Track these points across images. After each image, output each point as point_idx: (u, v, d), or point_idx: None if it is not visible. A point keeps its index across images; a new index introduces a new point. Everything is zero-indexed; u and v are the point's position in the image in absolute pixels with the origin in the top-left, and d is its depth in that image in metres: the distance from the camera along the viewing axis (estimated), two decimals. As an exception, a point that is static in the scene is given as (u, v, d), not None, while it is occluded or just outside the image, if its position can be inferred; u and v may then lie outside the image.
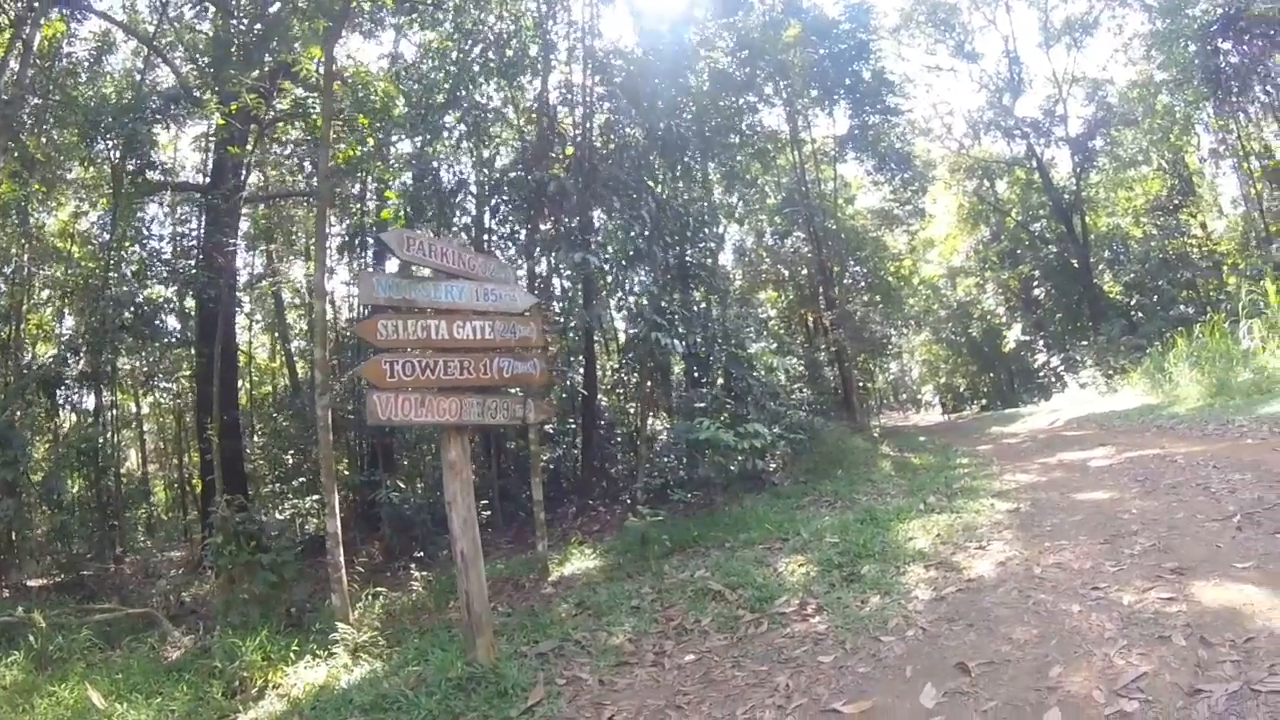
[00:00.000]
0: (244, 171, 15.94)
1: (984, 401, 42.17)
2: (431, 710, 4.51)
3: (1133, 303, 31.77)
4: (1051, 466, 10.84)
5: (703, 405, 11.96)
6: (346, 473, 14.72)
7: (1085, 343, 30.01)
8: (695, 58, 16.97)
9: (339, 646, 6.00)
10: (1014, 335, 38.53)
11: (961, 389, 41.49)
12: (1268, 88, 23.67)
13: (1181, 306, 28.13)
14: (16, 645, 6.85)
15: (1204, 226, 31.21)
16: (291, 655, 5.98)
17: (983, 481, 10.18)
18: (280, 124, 16.80)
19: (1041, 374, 35.31)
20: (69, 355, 14.72)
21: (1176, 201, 31.88)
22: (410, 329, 5.22)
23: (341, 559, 7.26)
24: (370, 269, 15.11)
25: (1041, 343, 36.01)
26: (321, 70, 11.83)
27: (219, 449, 13.31)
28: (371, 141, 13.93)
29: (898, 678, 4.10)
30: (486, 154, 15.68)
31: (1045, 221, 36.10)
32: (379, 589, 8.11)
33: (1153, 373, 19.30)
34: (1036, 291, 37.67)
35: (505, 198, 14.62)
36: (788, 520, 8.72)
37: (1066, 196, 33.28)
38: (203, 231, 16.09)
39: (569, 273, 13.70)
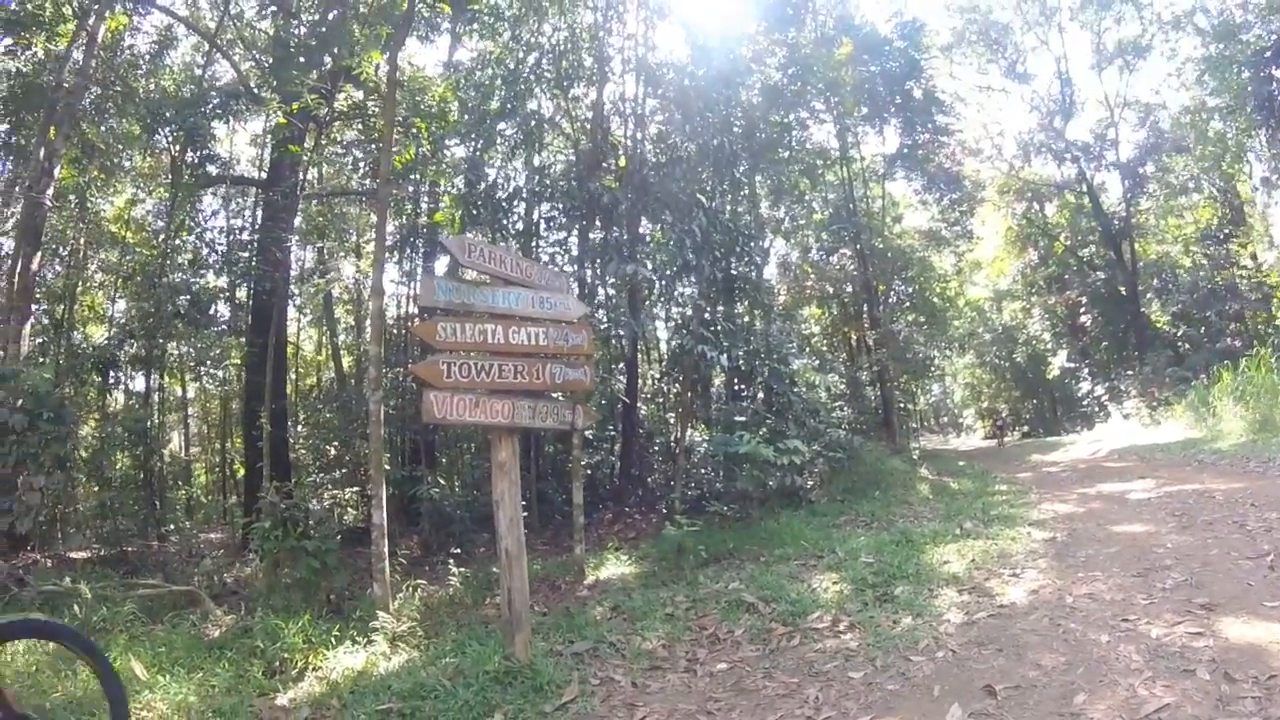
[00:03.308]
0: (301, 169, 16.22)
1: (1025, 428, 41.77)
2: (468, 701, 4.63)
3: (1179, 333, 31.39)
4: (1090, 497, 10.82)
5: (743, 419, 12.03)
6: (388, 467, 14.93)
7: (1130, 372, 29.69)
8: (746, 72, 17.05)
9: (378, 634, 6.13)
10: (1059, 362, 38.19)
11: (998, 416, 41.13)
12: (1321, 117, 23.32)
13: (1228, 339, 27.74)
14: (61, 614, 7.01)
15: (1254, 257, 30.71)
16: (331, 640, 6.11)
17: (1020, 509, 10.18)
18: (338, 124, 17.10)
19: (1085, 402, 34.99)
20: (125, 338, 15.11)
21: (1227, 231, 31.40)
22: (468, 332, 5.38)
23: (385, 549, 7.43)
24: (421, 270, 15.35)
25: (1086, 371, 35.67)
26: (380, 74, 12.09)
27: (268, 436, 13.55)
28: (427, 145, 14.15)
29: (925, 697, 4.19)
30: (539, 162, 15.88)
31: (1094, 247, 35.75)
32: (418, 581, 8.26)
33: (1197, 406, 19.10)
34: (1083, 318, 37.26)
35: (557, 206, 14.81)
36: (823, 538, 8.79)
37: (1116, 222, 32.96)
38: (259, 225, 16.39)
39: (614, 282, 13.84)
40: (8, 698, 3.10)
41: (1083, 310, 36.98)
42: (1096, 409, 32.85)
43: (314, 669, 5.69)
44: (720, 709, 4.47)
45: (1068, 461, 18.68)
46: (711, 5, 19.93)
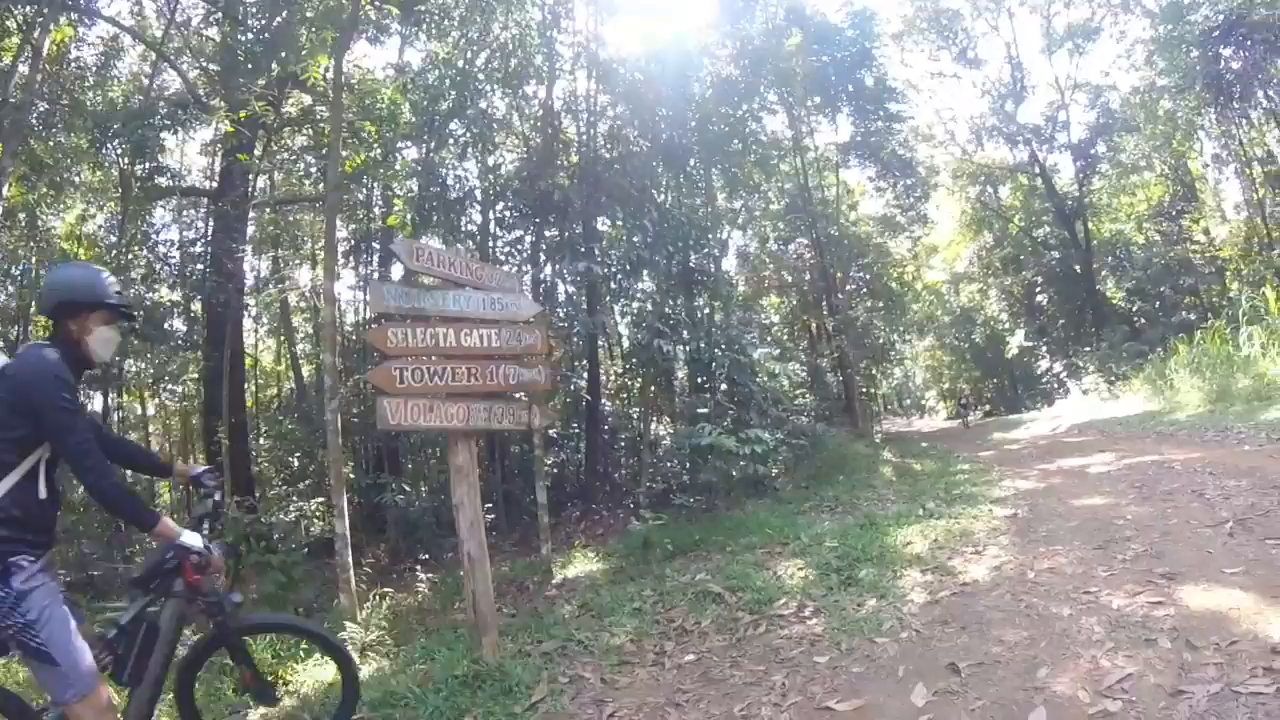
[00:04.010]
0: (252, 177, 16.03)
1: (987, 408, 42.20)
2: (438, 707, 4.60)
3: (1135, 309, 31.85)
4: (1051, 473, 10.94)
5: (705, 411, 12.05)
6: (352, 476, 14.78)
7: (1088, 349, 30.10)
8: (698, 66, 17.07)
9: (347, 645, 6.09)
10: (1017, 341, 38.60)
11: (963, 395, 41.51)
12: (1269, 93, 23.68)
13: (1183, 313, 28.22)
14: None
15: (1206, 232, 31.23)
16: (301, 653, 6.06)
17: (982, 488, 10.26)
18: (287, 130, 16.92)
19: (1044, 380, 35.43)
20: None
21: (1179, 207, 31.91)
22: (419, 337, 5.33)
23: (350, 560, 7.37)
24: (376, 275, 15.24)
25: (1044, 349, 36.09)
26: (329, 77, 11.97)
27: (228, 451, 13.40)
28: (378, 148, 14.04)
29: (890, 677, 4.21)
30: (492, 161, 15.80)
31: (1048, 227, 36.21)
32: (385, 590, 8.19)
33: (1154, 379, 19.38)
34: (1039, 297, 37.75)
35: (510, 205, 14.75)
36: (788, 525, 8.79)
37: (1069, 202, 33.40)
38: (210, 236, 16.20)
39: (573, 279, 13.81)
40: (258, 669, 4.00)
41: (1039, 289, 37.47)
42: (1056, 386, 33.28)
43: (284, 683, 5.62)
44: (688, 700, 4.46)
45: (1028, 439, 18.90)
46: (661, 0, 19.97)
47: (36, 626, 2.97)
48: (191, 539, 3.34)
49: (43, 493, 3.14)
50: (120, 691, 3.66)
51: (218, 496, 4.02)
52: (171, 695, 4.13)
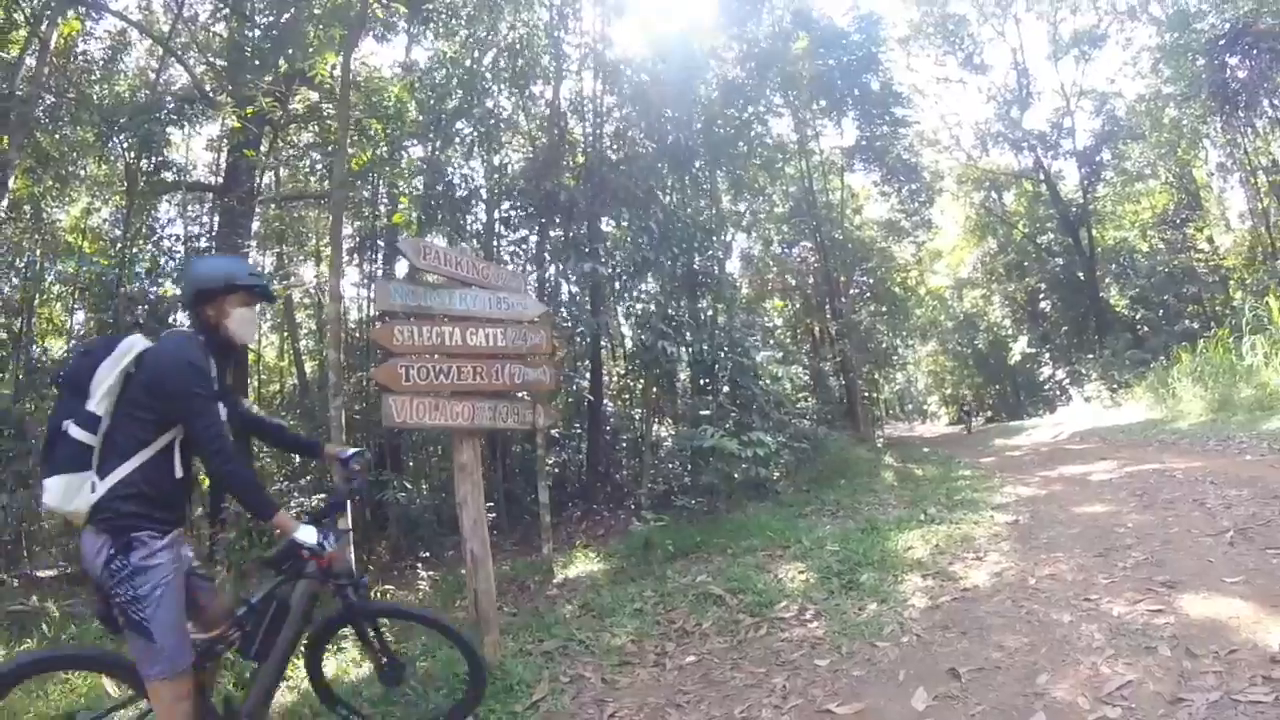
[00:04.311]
0: (258, 173, 16.04)
1: (989, 414, 42.19)
2: (439, 704, 4.61)
3: (1138, 317, 31.84)
4: (1052, 480, 10.93)
5: (708, 413, 12.06)
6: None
7: (1090, 356, 30.09)
8: (704, 68, 17.06)
9: (348, 641, 6.08)
10: (1020, 347, 38.64)
11: (965, 401, 41.52)
12: (1275, 102, 23.73)
13: (1187, 321, 28.25)
14: (29, 634, 6.93)
15: (1210, 241, 31.22)
16: (301, 649, 6.07)
17: (983, 494, 10.26)
18: (293, 126, 16.93)
19: (1047, 386, 35.42)
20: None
21: (1183, 215, 31.93)
22: (425, 335, 5.34)
23: (352, 556, 7.38)
24: (380, 272, 15.25)
25: (1047, 355, 36.10)
26: (336, 75, 11.99)
27: (231, 447, 13.37)
28: (384, 145, 14.05)
29: (891, 681, 4.21)
30: (498, 161, 15.81)
31: (1052, 234, 36.17)
32: (387, 587, 8.21)
33: (1156, 387, 19.39)
34: (1043, 304, 37.76)
35: (516, 205, 14.76)
36: (789, 528, 8.80)
37: (1074, 209, 33.38)
38: (215, 232, 16.19)
39: (577, 279, 13.82)
40: (388, 650, 4.12)
41: (1042, 296, 37.49)
42: (1058, 393, 33.29)
43: (284, 679, 5.63)
44: (689, 701, 4.47)
45: (1030, 445, 18.90)
46: (668, 2, 19.98)
47: (144, 603, 3.07)
48: (305, 534, 3.37)
49: (178, 472, 3.24)
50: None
51: (356, 483, 4.11)
52: (303, 668, 4.36)
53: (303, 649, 4.13)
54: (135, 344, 3.26)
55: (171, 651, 3.14)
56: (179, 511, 3.31)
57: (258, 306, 3.57)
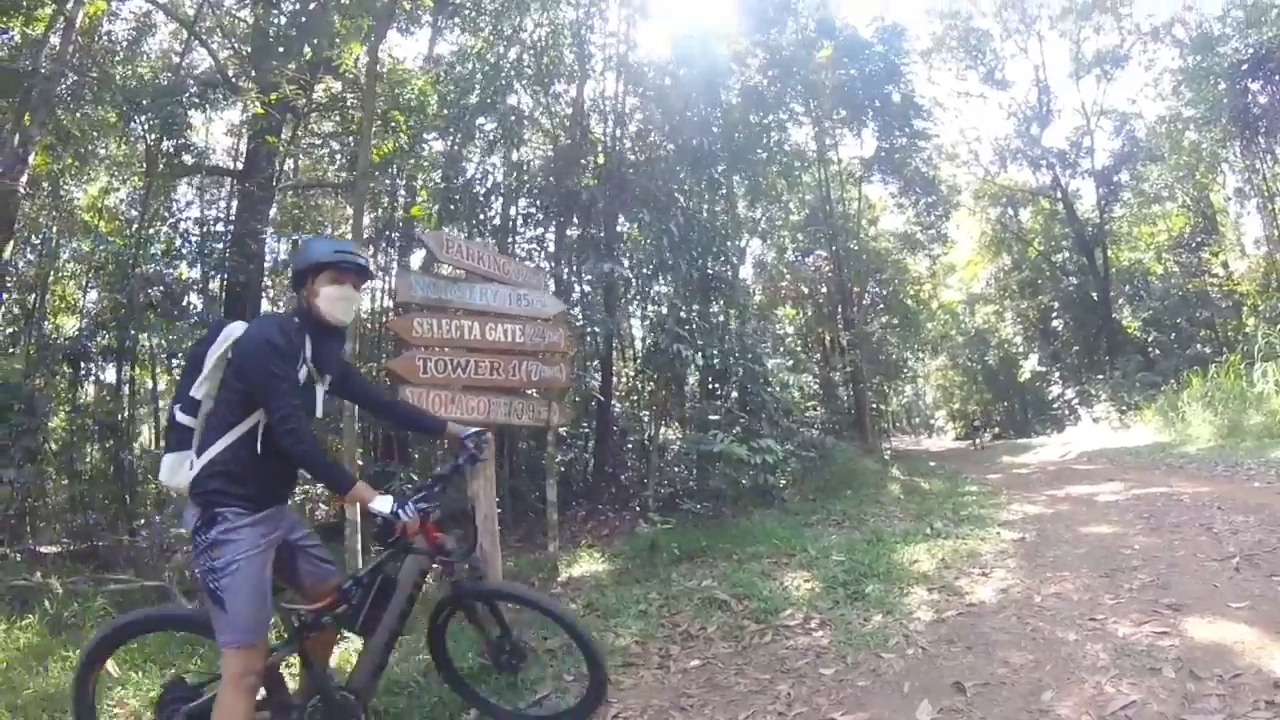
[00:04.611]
0: (278, 160, 16.09)
1: (997, 430, 42.10)
2: (442, 698, 4.63)
3: (1150, 339, 31.75)
4: (1059, 499, 10.94)
5: (716, 418, 12.06)
6: (360, 463, 14.83)
7: (1101, 377, 29.99)
8: (727, 73, 17.06)
9: (351, 632, 6.09)
10: (1030, 365, 38.55)
11: (975, 417, 41.43)
12: (1295, 129, 23.67)
13: (1199, 345, 28.13)
14: (31, 609, 6.95)
15: (1225, 266, 31.13)
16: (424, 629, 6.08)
17: (990, 510, 10.27)
18: (315, 115, 16.97)
19: (1056, 406, 35.31)
20: (97, 329, 14.94)
21: (1199, 239, 31.80)
22: (444, 328, 5.37)
23: (359, 546, 7.41)
24: (396, 263, 15.28)
25: (1057, 374, 36.01)
26: (360, 65, 12.02)
27: (239, 430, 13.38)
28: (405, 138, 14.09)
29: (895, 693, 4.23)
30: (517, 158, 15.83)
31: (1067, 253, 36.04)
32: (393, 578, 8.19)
33: (1166, 411, 19.34)
34: (1055, 323, 37.66)
35: (535, 202, 14.78)
36: (795, 536, 8.81)
37: (1089, 229, 33.28)
38: (234, 216, 16.23)
39: (591, 279, 13.83)
40: (509, 631, 4.19)
41: (1055, 315, 37.38)
42: (1067, 412, 33.16)
43: (288, 666, 5.66)
44: (693, 705, 4.49)
45: (1037, 463, 18.87)
46: (693, 5, 20.01)
47: (219, 574, 3.23)
48: (380, 504, 3.42)
49: (259, 451, 3.34)
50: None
51: (460, 460, 4.12)
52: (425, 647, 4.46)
53: (427, 626, 4.26)
54: (234, 330, 3.42)
55: (242, 623, 3.26)
56: (269, 490, 3.43)
57: (349, 284, 3.59)
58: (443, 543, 3.75)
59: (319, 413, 3.64)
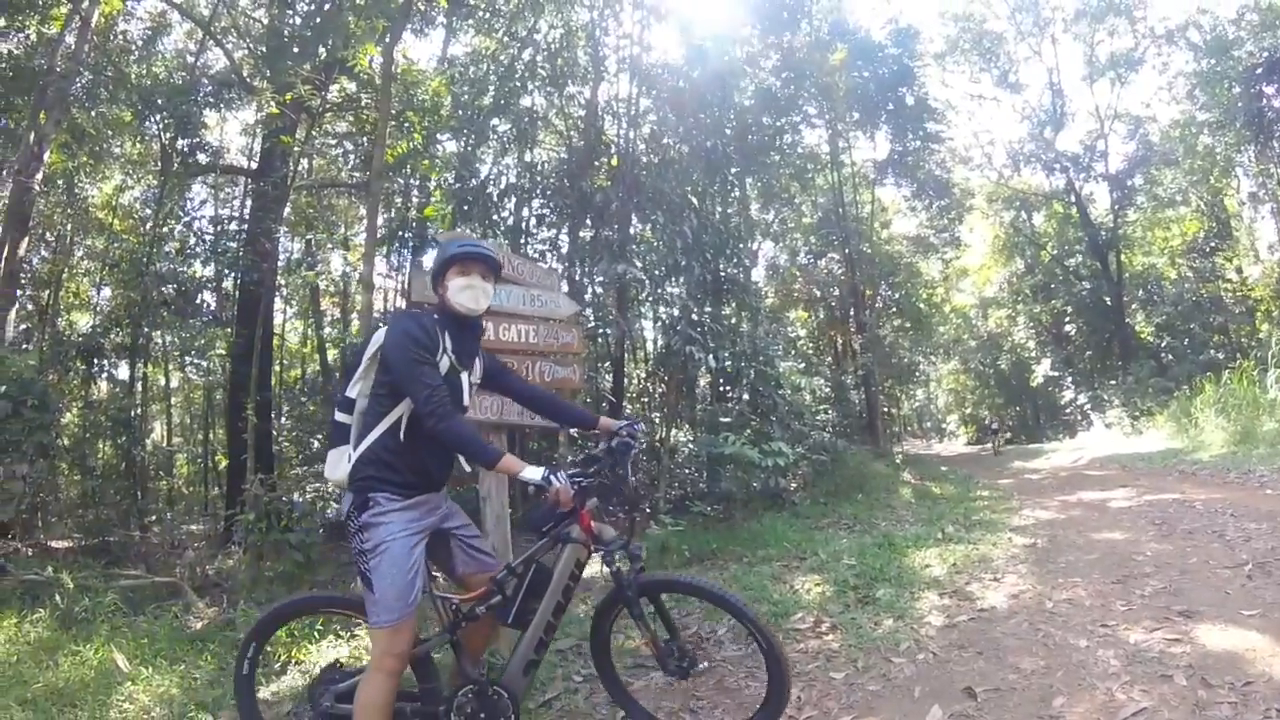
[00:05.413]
0: (292, 160, 16.16)
1: (1009, 435, 42.01)
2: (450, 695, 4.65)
3: (1163, 344, 31.68)
4: (1071, 504, 10.90)
5: (728, 420, 12.06)
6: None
7: (1114, 382, 29.93)
8: (740, 75, 17.04)
9: (361, 629, 6.11)
10: (1043, 370, 38.49)
11: (990, 419, 41.35)
12: (1310, 134, 23.56)
13: (1212, 351, 28.05)
14: (42, 604, 6.94)
15: (1239, 271, 31.03)
16: (315, 634, 6.09)
17: (1001, 515, 10.26)
18: (329, 115, 17.04)
19: (1068, 410, 35.26)
20: (110, 326, 15.03)
21: (1213, 244, 31.71)
22: (457, 328, 5.37)
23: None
24: (410, 263, 15.32)
25: (1070, 379, 35.91)
26: (375, 66, 12.05)
27: (253, 428, 13.46)
28: (419, 139, 14.12)
29: (906, 697, 4.23)
30: (531, 159, 15.86)
31: (1080, 257, 35.97)
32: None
33: (1179, 416, 19.27)
34: (1068, 327, 37.59)
35: (548, 204, 14.80)
36: (806, 540, 8.82)
37: (1103, 233, 33.18)
38: (248, 215, 16.31)
39: (603, 280, 13.84)
40: (676, 630, 4.08)
41: (1067, 319, 37.31)
42: (1079, 417, 33.11)
43: (296, 662, 5.66)
44: (703, 707, 4.49)
45: (1049, 469, 18.82)
46: (707, 7, 20.00)
47: (368, 555, 3.33)
48: (530, 473, 3.34)
49: (403, 438, 3.43)
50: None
51: (613, 444, 3.89)
52: (589, 644, 4.38)
53: (591, 621, 4.20)
54: (383, 332, 3.55)
55: (389, 605, 3.31)
56: (419, 476, 3.48)
57: (475, 274, 3.60)
58: (599, 532, 3.64)
59: (466, 402, 3.67)
